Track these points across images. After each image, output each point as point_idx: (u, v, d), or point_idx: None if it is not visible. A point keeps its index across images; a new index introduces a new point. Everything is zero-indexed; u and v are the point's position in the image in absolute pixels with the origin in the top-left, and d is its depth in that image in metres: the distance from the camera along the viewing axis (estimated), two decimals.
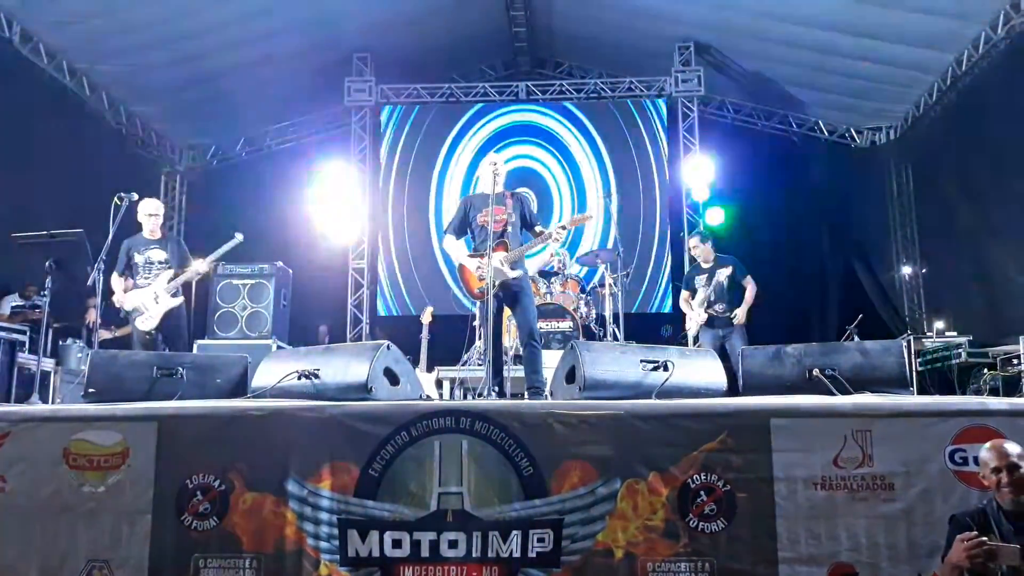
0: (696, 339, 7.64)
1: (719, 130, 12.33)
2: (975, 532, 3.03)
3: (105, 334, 8.16)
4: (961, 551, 3.00)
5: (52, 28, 9.32)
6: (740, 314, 7.41)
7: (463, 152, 12.26)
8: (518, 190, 5.74)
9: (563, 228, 5.51)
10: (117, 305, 6.50)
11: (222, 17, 9.74)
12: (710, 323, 7.50)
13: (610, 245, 10.82)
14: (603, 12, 11.12)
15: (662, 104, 12.02)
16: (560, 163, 12.17)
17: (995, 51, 9.24)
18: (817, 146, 12.59)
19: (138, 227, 6.65)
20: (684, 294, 7.93)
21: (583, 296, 8.59)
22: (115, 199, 6.00)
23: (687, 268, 11.24)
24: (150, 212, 6.63)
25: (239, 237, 6.66)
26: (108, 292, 6.34)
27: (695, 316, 7.61)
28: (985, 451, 3.26)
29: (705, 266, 7.69)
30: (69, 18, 9.16)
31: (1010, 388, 7.07)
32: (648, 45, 11.59)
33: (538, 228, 5.65)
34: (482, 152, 11.97)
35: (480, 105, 12.33)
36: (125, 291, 6.49)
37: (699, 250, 7.82)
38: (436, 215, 12.18)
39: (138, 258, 6.53)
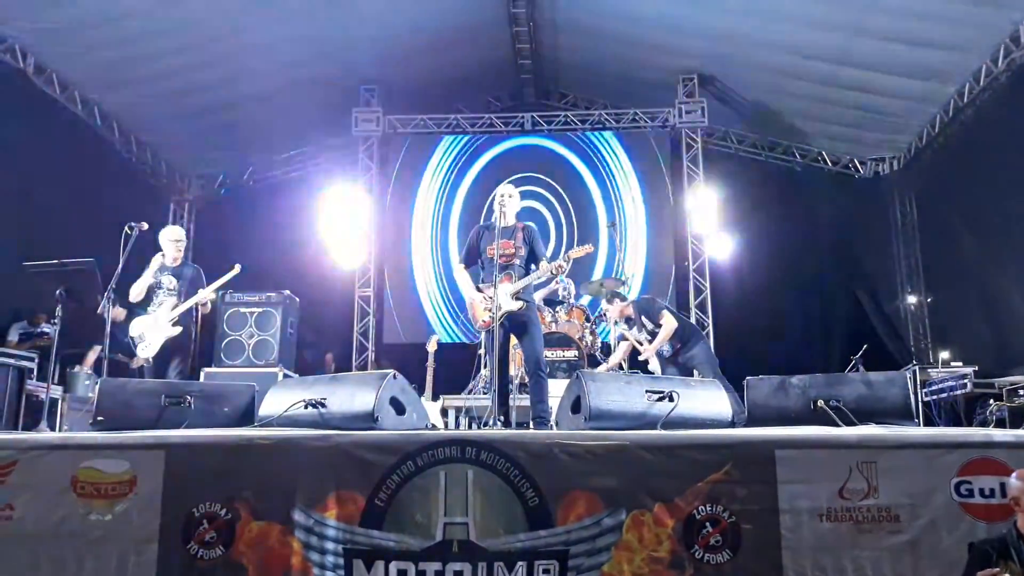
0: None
1: (723, 161, 12.39)
2: (997, 568, 3.04)
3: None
4: None
5: (65, 59, 9.49)
6: (649, 348, 6.99)
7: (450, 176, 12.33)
8: (528, 223, 5.77)
9: (564, 263, 5.55)
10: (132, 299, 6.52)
11: (231, 49, 9.88)
12: (664, 364, 7.09)
13: (615, 274, 10.87)
14: (607, 45, 11.26)
15: (665, 135, 12.10)
16: (564, 192, 12.23)
17: (996, 84, 9.33)
18: (820, 176, 12.63)
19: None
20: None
21: (588, 325, 8.60)
22: (125, 228, 6.01)
23: (693, 298, 11.31)
24: (172, 239, 6.69)
25: (237, 268, 6.67)
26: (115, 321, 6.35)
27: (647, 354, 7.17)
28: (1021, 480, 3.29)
29: (629, 320, 7.32)
30: (82, 50, 9.32)
31: (1016, 419, 7.02)
32: (652, 77, 11.70)
33: (542, 262, 5.67)
34: (468, 173, 12.22)
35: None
36: (115, 317, 6.50)
37: (612, 311, 7.44)
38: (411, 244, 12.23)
39: (154, 280, 6.57)
